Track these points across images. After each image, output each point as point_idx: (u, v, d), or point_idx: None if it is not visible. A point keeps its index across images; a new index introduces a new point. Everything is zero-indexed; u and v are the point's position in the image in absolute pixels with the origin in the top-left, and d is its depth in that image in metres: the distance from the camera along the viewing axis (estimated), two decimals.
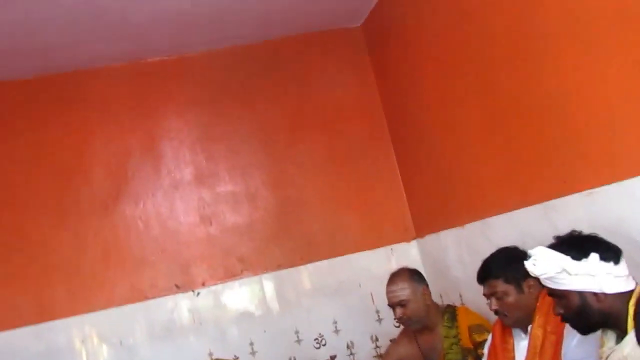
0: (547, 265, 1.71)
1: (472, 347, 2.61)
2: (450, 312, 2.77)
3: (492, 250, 2.42)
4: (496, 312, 2.23)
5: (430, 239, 3.58)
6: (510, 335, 2.26)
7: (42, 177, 3.52)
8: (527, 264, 1.76)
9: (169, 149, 3.68)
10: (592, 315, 1.68)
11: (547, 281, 1.74)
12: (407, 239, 3.74)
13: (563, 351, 2.03)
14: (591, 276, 1.65)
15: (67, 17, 3.04)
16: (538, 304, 2.15)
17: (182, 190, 3.64)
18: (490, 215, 2.88)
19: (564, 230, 2.29)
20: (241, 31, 3.65)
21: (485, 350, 2.39)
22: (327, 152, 3.78)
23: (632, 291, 1.64)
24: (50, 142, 3.57)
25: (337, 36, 3.94)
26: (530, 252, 1.78)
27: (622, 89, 1.97)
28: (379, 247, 3.70)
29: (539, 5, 2.28)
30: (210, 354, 3.44)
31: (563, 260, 1.68)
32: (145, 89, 3.71)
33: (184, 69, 3.76)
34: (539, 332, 2.10)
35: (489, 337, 2.39)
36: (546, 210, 2.46)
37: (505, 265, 2.21)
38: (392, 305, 2.79)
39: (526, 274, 2.18)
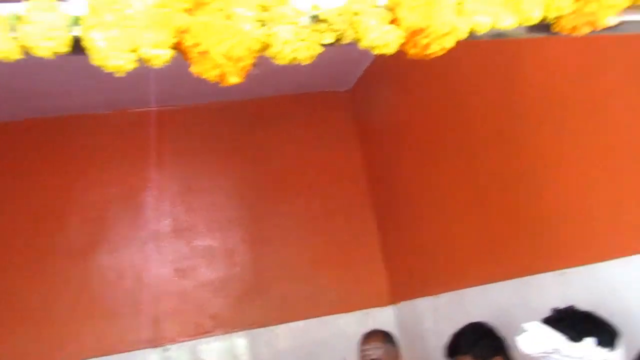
0: (539, 344, 1.63)
1: None
2: None
3: (466, 321, 2.42)
4: None
5: (405, 305, 3.56)
6: None
7: (18, 221, 3.48)
8: (518, 340, 1.68)
9: (148, 200, 3.67)
10: None
11: (539, 358, 1.68)
12: (382, 304, 3.71)
13: None
14: None
15: (59, 64, 3.08)
16: None
17: (159, 242, 3.61)
18: (465, 287, 2.89)
19: (536, 307, 2.31)
20: (228, 87, 3.70)
21: None
22: (307, 212, 3.79)
23: None
24: (30, 185, 3.54)
25: (325, 99, 4.02)
26: (523, 325, 1.70)
27: (597, 174, 2.04)
28: (354, 310, 3.67)
29: (518, 89, 2.38)
30: None
31: (557, 340, 1.61)
32: (128, 139, 3.73)
33: (168, 121, 3.79)
34: None
35: None
36: (520, 286, 2.47)
37: (474, 342, 2.20)
38: None
39: (494, 352, 2.18)
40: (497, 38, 1.21)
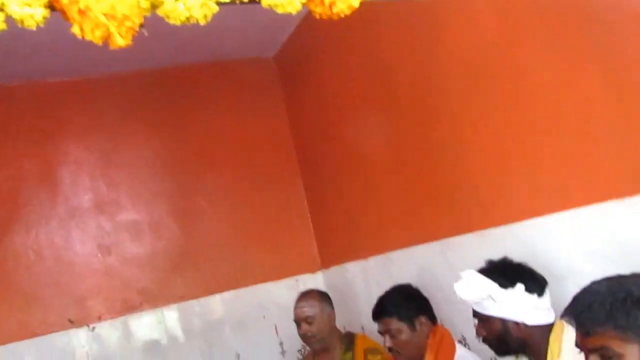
0: (474, 290, 1.75)
1: None
2: (349, 337, 2.84)
3: (394, 283, 2.47)
4: (389, 349, 2.26)
5: (335, 270, 3.60)
6: None
7: None
8: (456, 286, 1.79)
9: (66, 175, 3.49)
10: (511, 342, 1.74)
11: (474, 304, 1.79)
12: (312, 270, 3.74)
13: None
14: (515, 306, 1.71)
15: None
16: (429, 341, 2.20)
17: (80, 218, 3.46)
18: (392, 250, 2.94)
19: (458, 267, 2.38)
20: (149, 54, 3.55)
21: None
22: (235, 182, 3.73)
23: (551, 324, 1.71)
24: None
25: (250, 66, 3.92)
26: (460, 274, 1.81)
27: (515, 137, 2.10)
28: (284, 277, 3.67)
29: (440, 56, 2.41)
30: None
31: (490, 286, 1.72)
32: (44, 111, 3.52)
33: (87, 91, 3.60)
34: None
35: None
36: (442, 248, 2.54)
37: (399, 303, 2.25)
38: (298, 321, 2.81)
39: (418, 312, 2.25)
40: None
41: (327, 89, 3.42)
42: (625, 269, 1.28)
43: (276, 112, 3.90)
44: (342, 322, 3.34)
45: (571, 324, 1.26)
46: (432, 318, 2.29)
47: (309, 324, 2.77)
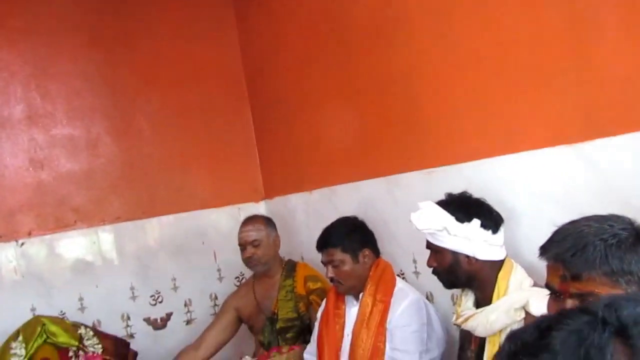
0: (430, 221, 1.74)
1: (305, 293, 2.73)
2: (291, 265, 2.88)
3: (337, 216, 2.49)
4: (331, 280, 2.29)
5: (279, 201, 3.59)
6: (343, 301, 2.34)
7: None
8: (413, 216, 1.78)
9: None
10: (460, 275, 1.76)
11: (428, 235, 1.79)
12: (255, 200, 3.71)
13: (389, 318, 2.15)
14: (468, 240, 1.72)
15: None
16: (370, 274, 2.25)
17: (10, 129, 3.25)
18: (337, 184, 2.95)
19: (403, 203, 2.42)
20: None
21: (319, 315, 2.46)
22: (180, 104, 3.58)
23: (502, 261, 1.74)
24: None
25: None
26: (419, 204, 1.80)
27: (465, 84, 2.11)
28: (226, 205, 3.63)
29: None
30: (34, 310, 3.17)
31: (447, 219, 1.72)
32: None
33: None
34: (368, 300, 2.20)
35: (324, 302, 2.47)
36: (388, 184, 2.56)
37: (344, 235, 2.27)
38: (244, 244, 2.80)
39: (362, 244, 2.27)
40: None
41: (280, 17, 3.30)
42: (571, 214, 1.30)
43: (228, 37, 3.73)
44: (282, 253, 3.36)
45: (556, 264, 1.15)
46: (376, 251, 2.32)
47: (255, 247, 2.77)
